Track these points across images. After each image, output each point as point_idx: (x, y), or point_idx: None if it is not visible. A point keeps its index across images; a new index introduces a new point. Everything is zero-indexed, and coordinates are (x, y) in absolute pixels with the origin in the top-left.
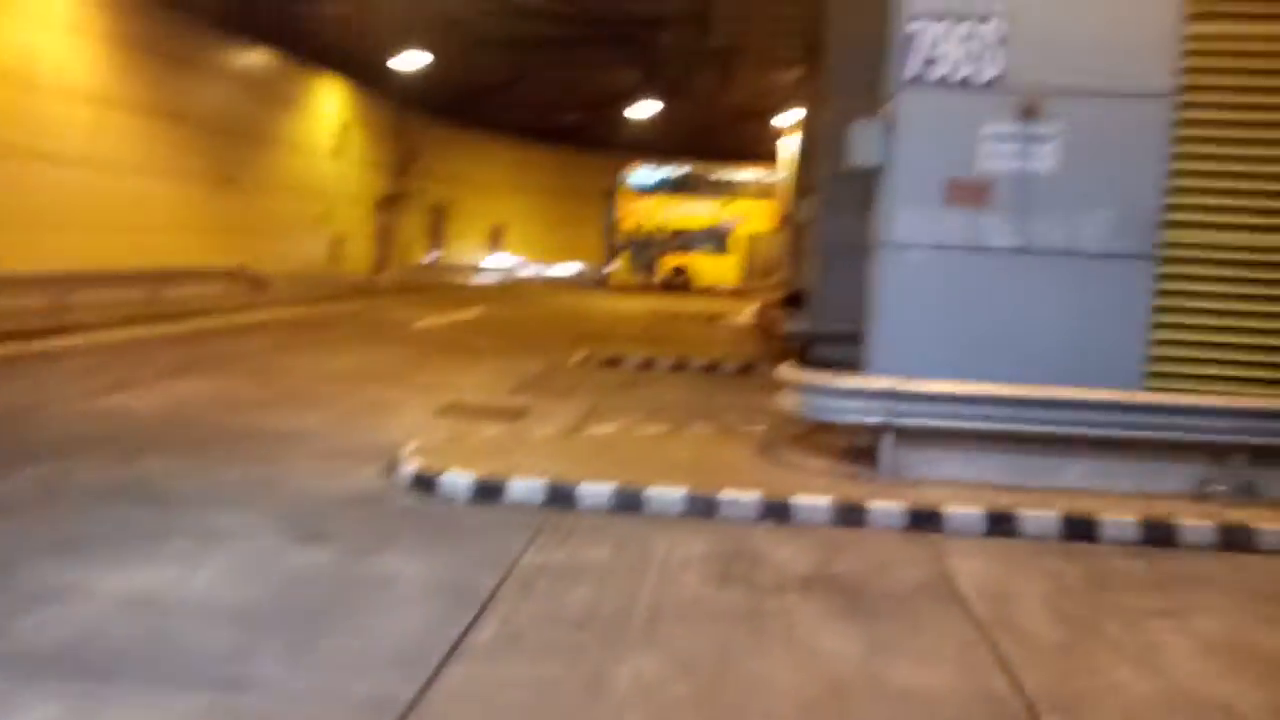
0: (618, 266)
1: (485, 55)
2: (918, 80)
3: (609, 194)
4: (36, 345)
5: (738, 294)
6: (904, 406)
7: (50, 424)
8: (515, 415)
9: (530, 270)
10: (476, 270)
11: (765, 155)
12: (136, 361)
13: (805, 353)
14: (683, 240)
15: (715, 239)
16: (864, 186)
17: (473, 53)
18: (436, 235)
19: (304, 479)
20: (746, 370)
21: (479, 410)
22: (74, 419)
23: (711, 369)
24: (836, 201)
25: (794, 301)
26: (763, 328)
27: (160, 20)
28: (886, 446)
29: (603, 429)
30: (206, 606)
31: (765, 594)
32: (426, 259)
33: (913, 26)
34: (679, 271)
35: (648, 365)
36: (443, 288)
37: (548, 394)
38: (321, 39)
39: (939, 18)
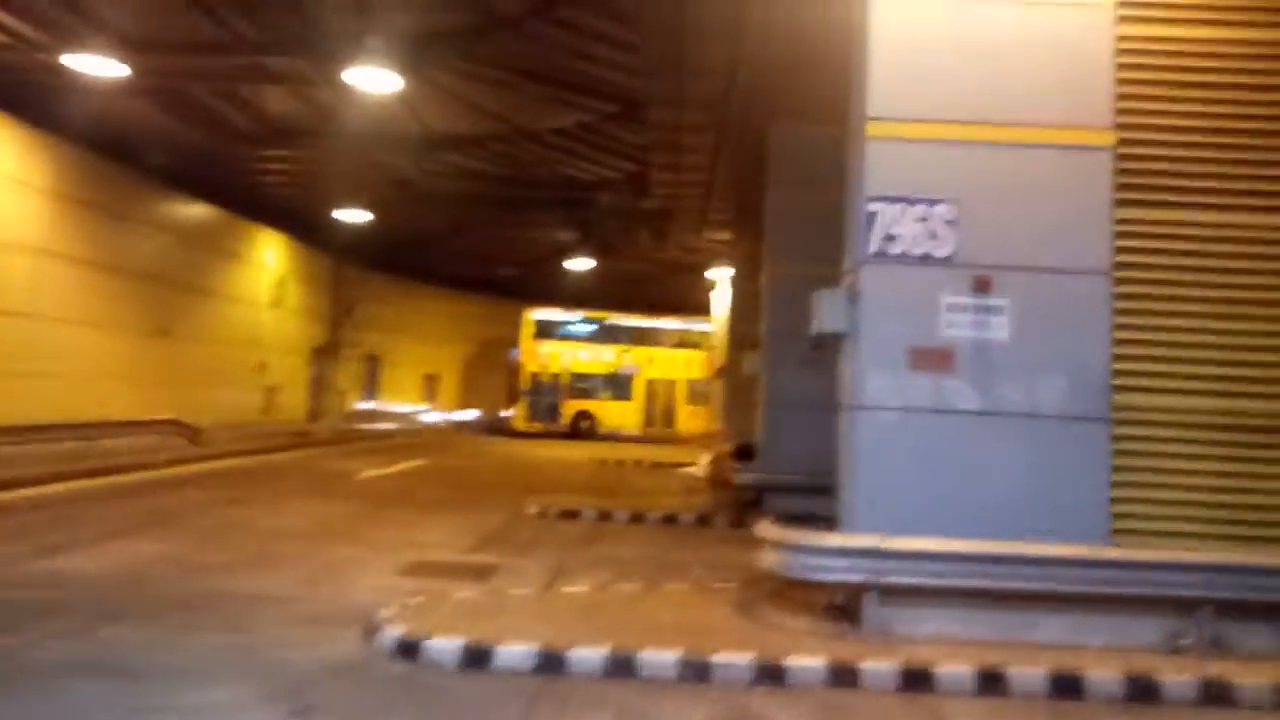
0: (514, 412)
1: (425, 211)
2: (880, 255)
3: (512, 339)
4: None
5: (644, 441)
6: (886, 564)
7: None
8: (483, 574)
9: (435, 416)
10: (400, 417)
11: (697, 307)
12: (78, 519)
13: (757, 503)
14: (585, 385)
15: (617, 385)
16: (806, 346)
17: (413, 208)
18: (371, 384)
19: (280, 647)
20: (703, 521)
21: (444, 568)
22: (19, 584)
23: (669, 520)
24: (780, 358)
25: (744, 453)
26: (715, 478)
27: (103, 175)
28: (870, 605)
29: (576, 588)
30: None
31: None
32: (360, 407)
33: (872, 207)
34: (584, 416)
35: (605, 517)
36: (377, 435)
37: (510, 550)
38: (264, 194)
39: (894, 201)
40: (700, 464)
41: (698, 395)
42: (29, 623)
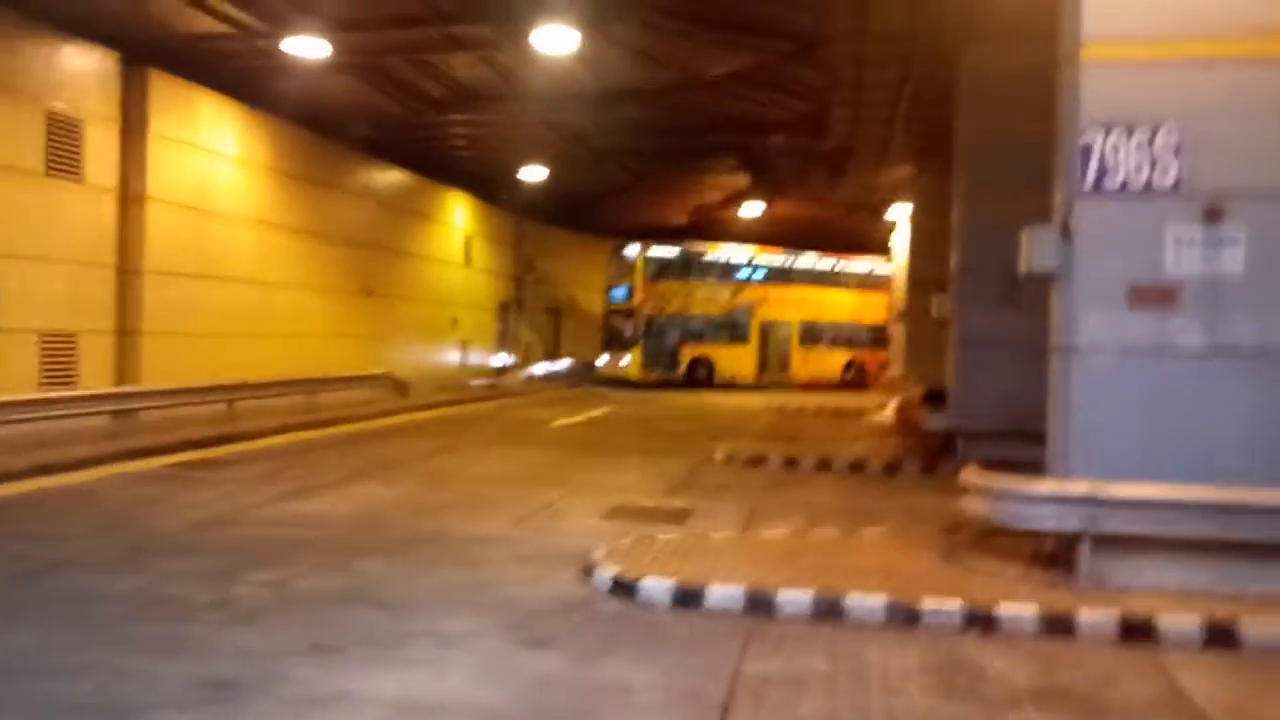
0: (628, 360)
1: (602, 165)
2: (1097, 186)
3: (610, 274)
4: (217, 451)
5: (759, 388)
6: (1104, 512)
7: (254, 530)
8: (681, 517)
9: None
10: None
11: (875, 248)
12: (316, 465)
13: (948, 450)
14: (701, 329)
15: (734, 328)
16: (1003, 284)
17: (590, 163)
18: (555, 337)
19: (508, 584)
20: (892, 469)
21: (644, 512)
22: (273, 525)
23: (857, 468)
24: (972, 298)
25: (934, 398)
26: (903, 424)
27: (312, 148)
28: (1085, 554)
29: (774, 532)
30: (467, 711)
31: (999, 707)
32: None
33: (1086, 137)
34: (700, 363)
35: (791, 463)
36: (555, 387)
37: (703, 495)
38: (452, 157)
39: (1110, 128)
40: (887, 410)
41: (812, 337)
42: (292, 557)
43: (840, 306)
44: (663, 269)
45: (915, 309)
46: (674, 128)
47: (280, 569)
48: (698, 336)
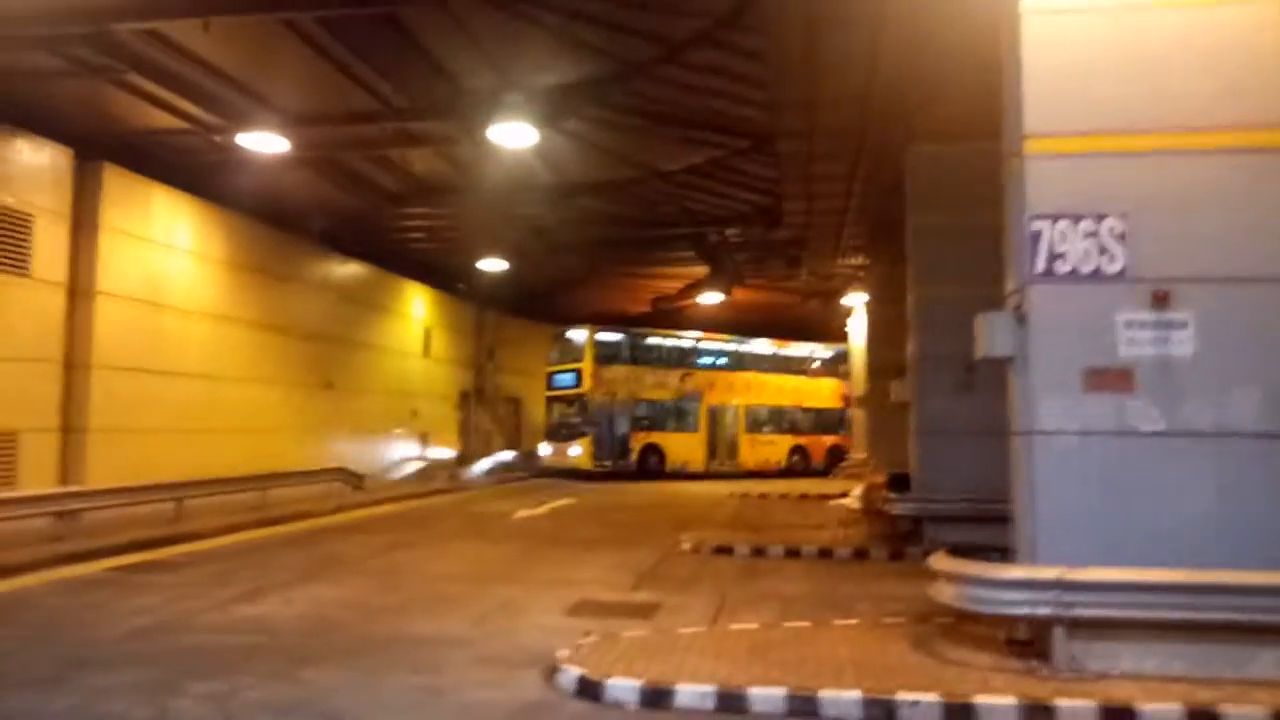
0: (578, 449)
1: (561, 256)
2: (1047, 274)
3: (552, 358)
4: (163, 553)
5: (710, 477)
6: (1075, 596)
7: (198, 636)
8: (647, 612)
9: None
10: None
11: (832, 334)
12: (261, 567)
13: (914, 535)
14: (651, 415)
15: (682, 413)
16: (960, 370)
17: (549, 254)
18: (516, 426)
19: (467, 689)
20: (861, 555)
21: (609, 607)
22: (220, 631)
23: (826, 554)
24: (931, 384)
25: (898, 483)
26: (867, 509)
27: (269, 241)
28: (1059, 639)
29: (744, 625)
30: None
31: None
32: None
33: (1034, 226)
34: (651, 450)
35: (759, 552)
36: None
37: (671, 587)
38: (410, 249)
39: (1058, 218)
40: (851, 495)
41: (758, 423)
42: (237, 665)
43: (784, 391)
44: (611, 354)
45: (875, 394)
46: (632, 219)
47: (226, 679)
48: (648, 423)
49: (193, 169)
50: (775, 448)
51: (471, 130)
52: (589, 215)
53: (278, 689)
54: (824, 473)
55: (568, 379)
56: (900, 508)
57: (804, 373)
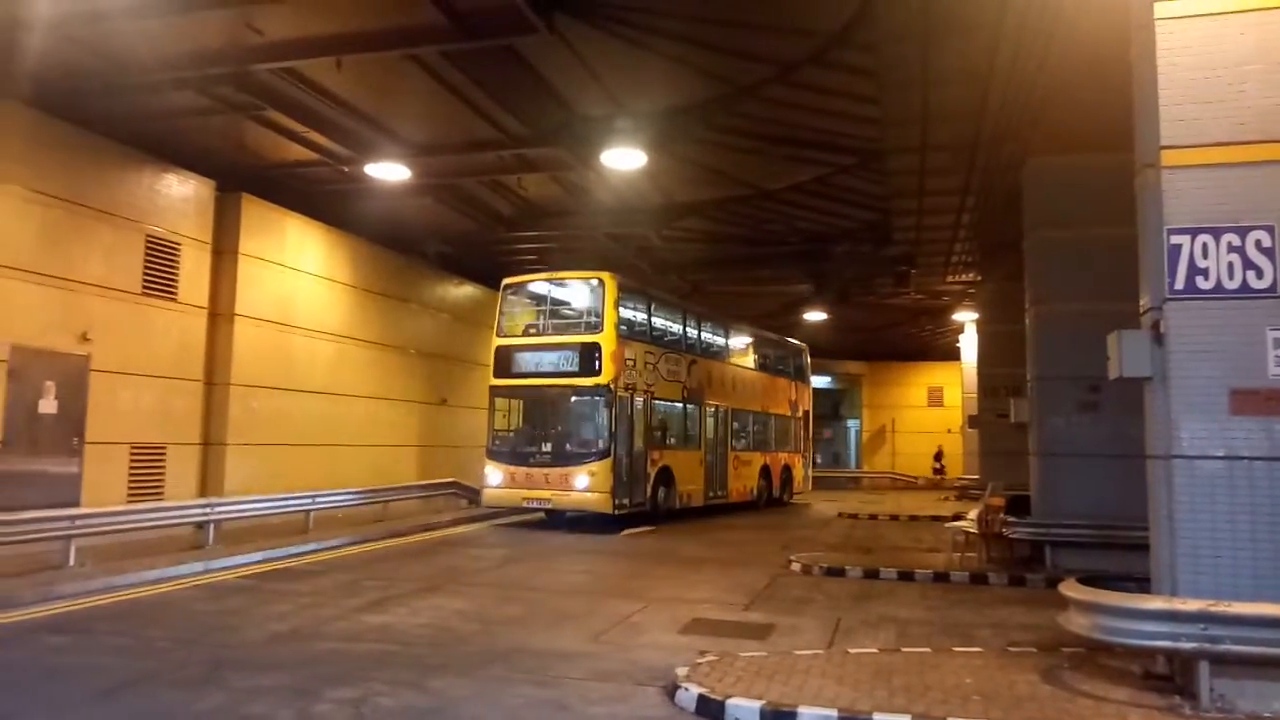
0: (586, 479)
1: (663, 276)
2: (1187, 290)
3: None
4: (293, 561)
5: (712, 511)
6: (1224, 631)
7: (331, 643)
8: (761, 632)
9: None
10: None
11: (942, 353)
12: (386, 578)
13: (1034, 560)
14: (663, 423)
15: (687, 420)
16: (1081, 390)
17: (654, 272)
18: None
19: (588, 703)
20: (979, 579)
21: (722, 626)
22: (350, 637)
23: (941, 578)
24: (1051, 404)
25: (1016, 505)
26: (984, 532)
27: (390, 265)
28: (1204, 676)
29: (862, 649)
30: None
31: None
32: None
33: (1175, 239)
34: (663, 477)
35: (872, 574)
36: None
37: (783, 608)
38: (519, 270)
39: (1199, 231)
40: (966, 518)
41: (739, 434)
42: (369, 672)
43: (757, 392)
44: (635, 322)
45: (988, 414)
46: (737, 238)
47: (359, 686)
48: (661, 436)
49: (321, 197)
50: (750, 470)
51: (585, 155)
52: (694, 235)
53: (409, 697)
54: (777, 501)
55: (562, 360)
56: (1020, 531)
57: (774, 369)
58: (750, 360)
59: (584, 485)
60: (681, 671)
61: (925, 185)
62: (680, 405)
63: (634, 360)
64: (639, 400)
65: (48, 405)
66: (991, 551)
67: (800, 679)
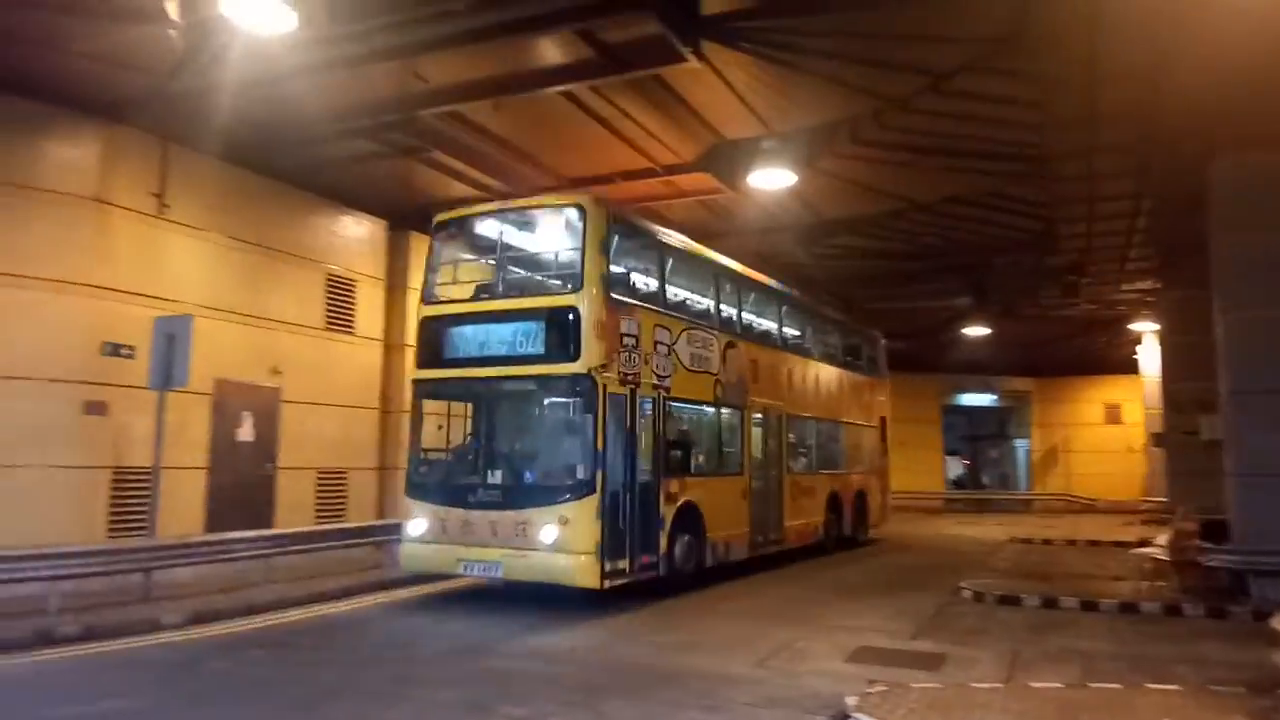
0: (557, 533)
1: (815, 292)
2: None
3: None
4: (457, 584)
5: (757, 567)
6: None
7: (503, 661)
8: (933, 663)
9: None
10: None
11: (1114, 366)
12: None
13: (1239, 591)
14: (682, 436)
15: (722, 435)
16: None
17: (803, 290)
18: None
19: None
20: (1172, 611)
21: (891, 655)
22: (519, 656)
23: (1129, 609)
24: (1252, 420)
25: (1213, 530)
26: (1176, 559)
27: None
28: None
29: (1044, 684)
30: None
31: None
32: None
33: None
34: (686, 519)
35: (1051, 603)
36: None
37: (954, 637)
38: None
39: None
40: (1156, 542)
41: (798, 450)
42: (539, 691)
43: (829, 393)
44: (637, 282)
45: (1176, 431)
46: (890, 253)
47: (531, 705)
48: (683, 457)
49: None
50: (814, 500)
51: (731, 178)
52: (846, 251)
53: (580, 717)
54: (849, 541)
55: (519, 336)
56: (1219, 559)
57: (843, 360)
58: (813, 346)
59: (552, 540)
60: (851, 701)
61: (1094, 190)
62: (712, 410)
63: (635, 338)
64: (646, 401)
65: (245, 434)
66: (1185, 580)
67: (979, 714)
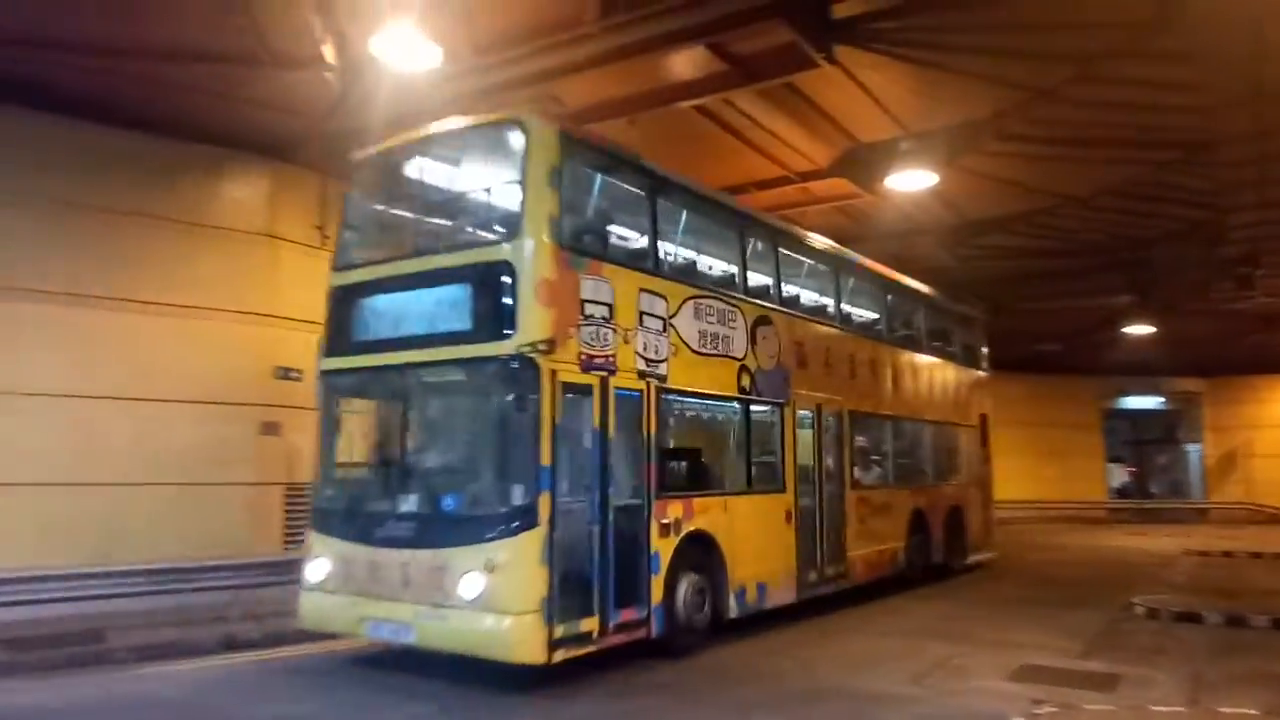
0: (481, 584)
1: (960, 296)
2: None
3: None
4: None
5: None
6: None
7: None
8: (1106, 683)
9: None
10: None
11: None
12: None
13: None
14: (688, 442)
15: (750, 442)
16: None
17: (948, 295)
18: None
19: None
20: None
21: (1059, 674)
22: None
23: None
24: None
25: None
26: None
27: None
28: None
29: (1236, 709)
30: None
31: None
32: None
33: None
34: (693, 553)
35: (1237, 621)
36: None
37: (1128, 657)
38: None
39: None
40: None
41: (866, 458)
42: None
43: (912, 386)
44: (603, 223)
45: None
46: (1042, 251)
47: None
48: (690, 467)
49: None
50: (891, 520)
51: (868, 182)
52: (993, 251)
53: None
54: (940, 569)
55: (438, 306)
56: None
57: (927, 344)
58: (887, 326)
59: (475, 595)
60: None
61: (1265, 174)
62: (736, 406)
63: (608, 308)
64: (627, 394)
65: None
66: None
67: None
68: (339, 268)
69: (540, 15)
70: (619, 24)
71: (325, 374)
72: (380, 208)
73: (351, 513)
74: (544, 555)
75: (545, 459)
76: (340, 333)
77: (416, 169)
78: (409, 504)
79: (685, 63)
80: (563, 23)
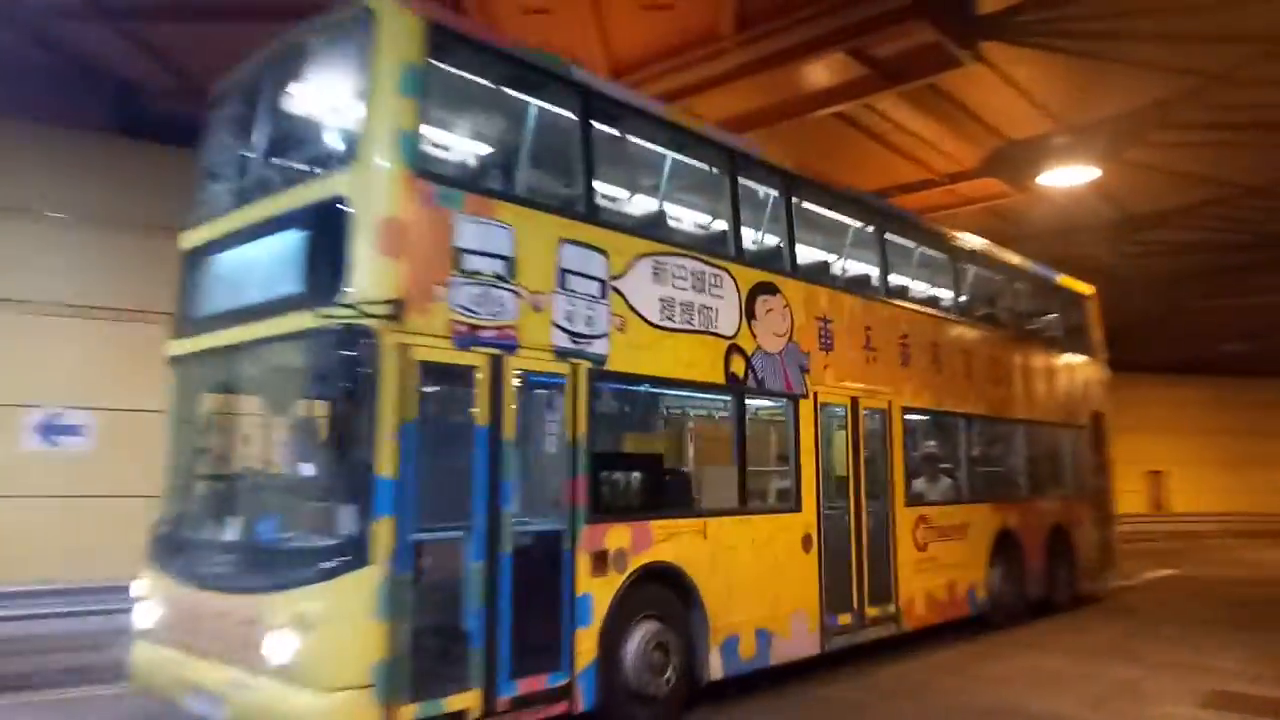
0: (297, 646)
1: (1128, 295)
2: None
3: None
4: None
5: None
6: None
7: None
8: None
9: None
10: None
11: None
12: None
13: None
14: (638, 457)
15: (754, 436)
16: None
17: (1113, 295)
18: None
19: None
20: None
21: (1260, 704)
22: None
23: None
24: None
25: None
26: None
27: None
28: None
29: None
30: None
31: None
32: None
33: None
34: (656, 597)
35: None
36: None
37: None
38: None
39: None
40: None
41: (924, 466)
42: None
43: (968, 372)
44: (493, 158)
45: None
46: (1218, 244)
47: None
48: (635, 484)
49: None
50: (964, 547)
51: (1020, 180)
52: (1162, 247)
53: None
54: (1040, 605)
55: (270, 266)
56: None
57: (1018, 327)
58: (954, 298)
59: (285, 660)
60: None
61: None
62: (723, 398)
63: (505, 260)
64: (538, 379)
65: None
66: None
67: None
68: (189, 226)
69: (677, 33)
70: (756, 36)
71: (171, 361)
72: (230, 146)
73: (179, 542)
74: (381, 605)
75: (385, 470)
76: (189, 304)
77: (268, 93)
78: (231, 532)
79: (824, 70)
80: (700, 39)
